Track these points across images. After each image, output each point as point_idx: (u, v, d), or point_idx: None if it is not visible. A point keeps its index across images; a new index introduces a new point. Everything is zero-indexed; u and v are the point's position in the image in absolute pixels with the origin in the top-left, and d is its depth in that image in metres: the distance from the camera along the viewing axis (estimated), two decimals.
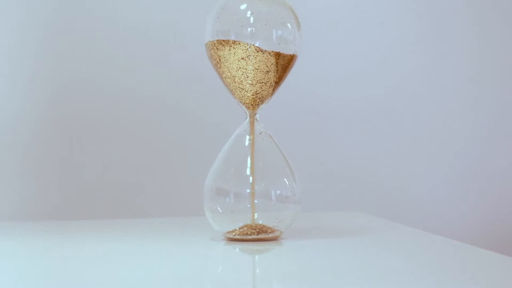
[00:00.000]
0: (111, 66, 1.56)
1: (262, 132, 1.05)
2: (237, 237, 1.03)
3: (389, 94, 1.67)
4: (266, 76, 1.03)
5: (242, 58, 1.02)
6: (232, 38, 1.01)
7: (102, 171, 1.55)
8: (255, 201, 1.02)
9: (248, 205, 1.02)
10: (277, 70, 1.03)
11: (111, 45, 1.56)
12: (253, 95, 1.04)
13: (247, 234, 1.02)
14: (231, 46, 1.01)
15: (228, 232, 1.04)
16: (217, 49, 1.02)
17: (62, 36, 1.55)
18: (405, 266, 0.87)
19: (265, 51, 1.02)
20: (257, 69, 1.02)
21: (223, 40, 1.01)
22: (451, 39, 1.68)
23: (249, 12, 1.01)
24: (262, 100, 1.05)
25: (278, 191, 1.03)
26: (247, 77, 1.03)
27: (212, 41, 1.02)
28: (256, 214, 1.03)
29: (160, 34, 1.59)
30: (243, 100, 1.05)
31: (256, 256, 0.97)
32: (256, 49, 1.01)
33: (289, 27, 1.03)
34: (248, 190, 1.02)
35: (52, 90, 1.54)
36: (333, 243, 1.02)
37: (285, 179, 1.04)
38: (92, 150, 1.55)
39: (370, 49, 1.68)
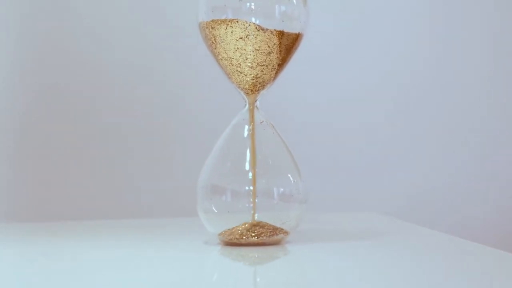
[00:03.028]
0: (98, 55, 1.59)
1: (263, 121, 1.05)
2: (235, 240, 1.02)
3: (403, 86, 1.70)
4: (267, 58, 1.02)
5: (241, 38, 1.01)
6: (229, 15, 1.01)
7: (87, 167, 1.58)
8: (255, 200, 1.01)
9: (247, 205, 1.02)
10: (280, 51, 1.02)
11: (99, 31, 1.59)
12: (253, 79, 1.03)
13: (246, 237, 1.01)
14: (227, 24, 1.01)
15: (225, 235, 1.03)
16: (212, 28, 1.02)
17: (50, 24, 1.58)
18: (424, 271, 0.87)
19: (267, 29, 1.01)
20: (257, 50, 1.01)
21: (219, 20, 1.01)
22: (465, 31, 1.72)
23: None
24: (263, 85, 1.04)
25: (281, 189, 1.03)
26: (246, 59, 1.02)
27: (207, 20, 1.02)
28: (256, 215, 1.02)
29: (147, 12, 1.61)
30: (242, 85, 1.04)
31: (257, 262, 0.96)
32: (256, 27, 1.01)
33: (294, 2, 1.02)
34: (247, 188, 1.02)
35: (46, 89, 1.58)
36: (343, 247, 1.02)
37: (289, 175, 1.03)
38: (75, 145, 1.58)
39: (384, 29, 1.70)
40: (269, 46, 1.01)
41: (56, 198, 1.57)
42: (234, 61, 1.02)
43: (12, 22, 1.56)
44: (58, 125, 1.58)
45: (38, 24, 1.58)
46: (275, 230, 1.02)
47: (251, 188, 1.01)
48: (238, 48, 1.01)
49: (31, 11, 1.57)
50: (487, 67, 1.72)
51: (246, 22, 1.00)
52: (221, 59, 1.03)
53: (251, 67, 1.02)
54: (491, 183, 1.72)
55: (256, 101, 1.05)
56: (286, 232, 1.03)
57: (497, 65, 1.72)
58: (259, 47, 1.01)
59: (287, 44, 1.03)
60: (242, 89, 1.04)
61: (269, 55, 1.02)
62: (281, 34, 1.01)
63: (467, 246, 1.03)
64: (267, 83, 1.04)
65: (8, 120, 1.56)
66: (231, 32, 1.01)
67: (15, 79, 1.57)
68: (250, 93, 1.04)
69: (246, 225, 1.02)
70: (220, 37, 1.01)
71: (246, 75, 1.03)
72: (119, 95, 1.59)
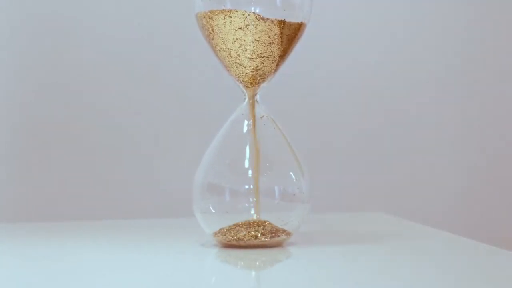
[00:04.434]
0: (93, 50, 1.59)
1: (263, 116, 1.04)
2: (234, 242, 1.01)
3: (414, 74, 1.69)
4: (268, 49, 1.01)
5: (240, 28, 1.00)
6: (228, 5, 1.00)
7: (81, 164, 1.59)
8: (255, 200, 1.01)
9: (247, 205, 1.01)
10: (281, 41, 1.02)
11: (92, 24, 1.59)
12: (253, 71, 1.02)
13: (245, 239, 1.01)
14: (226, 14, 1.00)
15: (222, 236, 1.02)
16: (209, 18, 1.01)
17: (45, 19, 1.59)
18: (435, 274, 0.87)
19: (267, 19, 1.00)
20: (257, 40, 1.01)
21: (217, 10, 1.00)
22: (484, 16, 1.71)
23: None
24: (263, 77, 1.03)
25: (283, 188, 1.02)
26: (246, 50, 1.01)
27: (205, 11, 1.01)
28: (256, 215, 1.01)
29: (141, 2, 1.60)
30: (241, 78, 1.03)
31: (257, 266, 0.96)
32: (256, 17, 1.00)
33: None
34: (246, 187, 1.01)
35: (46, 89, 1.59)
36: (348, 250, 1.01)
37: (291, 173, 1.03)
38: (70, 143, 1.59)
39: (392, 18, 1.68)
40: (269, 37, 1.01)
41: (50, 198, 1.57)
42: (233, 53, 1.01)
43: (12, 21, 1.57)
44: (57, 125, 1.58)
45: (33, 21, 1.59)
46: (276, 231, 1.01)
47: (251, 187, 1.01)
48: (237, 39, 1.00)
49: (28, 10, 1.58)
50: (492, 65, 1.72)
51: (246, 12, 0.99)
52: (219, 51, 1.02)
53: (250, 58, 1.01)
54: (502, 182, 1.71)
55: (256, 94, 1.04)
56: (288, 233, 1.02)
57: (501, 62, 1.72)
58: (259, 37, 1.00)
59: (289, 34, 1.02)
60: (241, 82, 1.03)
61: (270, 46, 1.01)
62: (282, 23, 1.01)
63: (479, 248, 1.02)
64: (267, 76, 1.03)
65: (7, 120, 1.57)
66: (230, 22, 1.00)
67: (14, 79, 1.58)
68: (249, 86, 1.03)
69: (246, 226, 1.01)
70: (218, 27, 1.01)
71: (245, 67, 1.02)
72: (114, 91, 1.59)
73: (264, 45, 1.01)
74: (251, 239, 1.00)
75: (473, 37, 1.71)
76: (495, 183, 1.70)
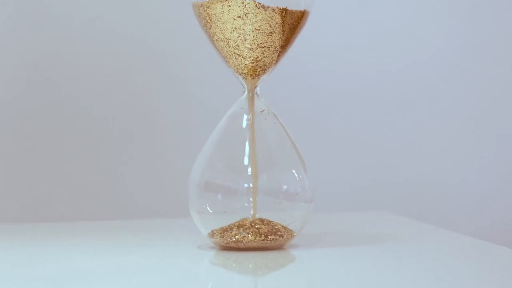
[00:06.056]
0: (86, 47, 1.59)
1: (263, 110, 1.03)
2: (232, 244, 1.00)
3: (422, 68, 1.68)
4: (269, 39, 1.00)
5: (239, 17, 0.99)
6: None
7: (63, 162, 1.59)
8: (255, 199, 1.00)
9: (246, 204, 1.00)
10: (282, 31, 1.01)
11: (84, 19, 1.59)
12: (253, 62, 1.01)
13: (244, 240, 1.00)
14: (224, 2, 1.00)
15: (220, 237, 1.01)
16: (206, 6, 1.01)
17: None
18: (445, 277, 0.87)
19: (268, 7, 0.99)
20: (257, 29, 1.00)
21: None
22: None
23: None
24: (264, 69, 1.02)
25: (285, 186, 1.01)
26: (245, 40, 1.00)
27: (202, 2, 1.01)
28: (256, 215, 1.01)
29: None
30: (240, 70, 1.02)
31: (257, 270, 0.95)
32: (256, 4, 0.99)
33: None
34: (246, 185, 1.00)
35: (44, 89, 1.59)
36: (355, 252, 1.01)
37: (293, 171, 1.02)
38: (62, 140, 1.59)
39: (397, 5, 1.67)
40: (270, 26, 1.00)
41: (46, 198, 1.58)
42: (231, 43, 1.00)
43: (10, 20, 1.58)
44: (56, 125, 1.59)
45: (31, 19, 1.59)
46: (278, 232, 1.00)
47: (251, 185, 1.00)
48: (236, 28, 0.99)
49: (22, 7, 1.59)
50: (501, 62, 1.71)
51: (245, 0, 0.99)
52: (217, 40, 1.01)
53: (250, 49, 1.00)
54: (509, 182, 1.70)
55: (256, 87, 1.03)
56: (290, 235, 1.01)
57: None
58: (259, 26, 0.99)
59: (291, 23, 1.01)
60: (240, 74, 1.02)
61: (271, 35, 1.00)
62: (284, 11, 1.00)
63: (487, 248, 1.03)
64: (268, 67, 1.02)
65: (7, 119, 1.58)
66: (228, 11, 0.99)
67: (14, 78, 1.58)
68: (249, 78, 1.02)
69: (245, 227, 1.00)
70: (215, 16, 1.00)
71: (245, 58, 1.01)
72: (109, 88, 1.59)
73: (265, 34, 1.00)
74: (251, 241, 0.99)
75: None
76: (502, 183, 1.69)
